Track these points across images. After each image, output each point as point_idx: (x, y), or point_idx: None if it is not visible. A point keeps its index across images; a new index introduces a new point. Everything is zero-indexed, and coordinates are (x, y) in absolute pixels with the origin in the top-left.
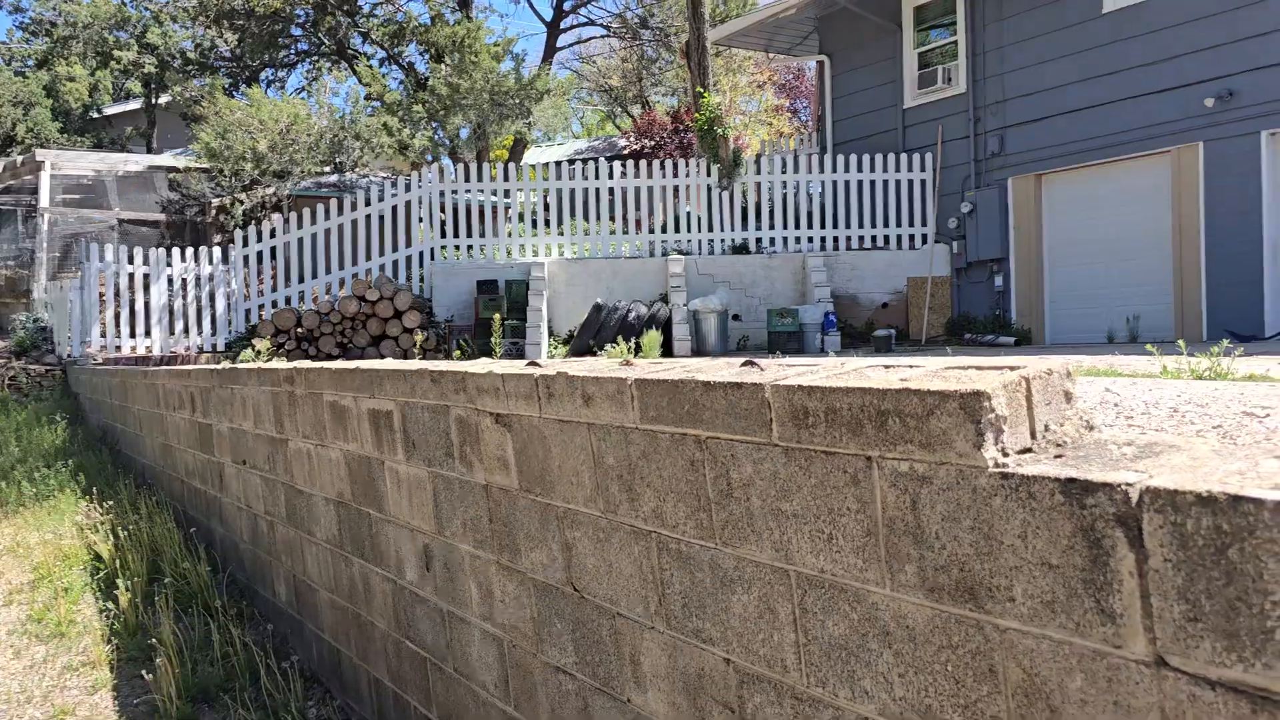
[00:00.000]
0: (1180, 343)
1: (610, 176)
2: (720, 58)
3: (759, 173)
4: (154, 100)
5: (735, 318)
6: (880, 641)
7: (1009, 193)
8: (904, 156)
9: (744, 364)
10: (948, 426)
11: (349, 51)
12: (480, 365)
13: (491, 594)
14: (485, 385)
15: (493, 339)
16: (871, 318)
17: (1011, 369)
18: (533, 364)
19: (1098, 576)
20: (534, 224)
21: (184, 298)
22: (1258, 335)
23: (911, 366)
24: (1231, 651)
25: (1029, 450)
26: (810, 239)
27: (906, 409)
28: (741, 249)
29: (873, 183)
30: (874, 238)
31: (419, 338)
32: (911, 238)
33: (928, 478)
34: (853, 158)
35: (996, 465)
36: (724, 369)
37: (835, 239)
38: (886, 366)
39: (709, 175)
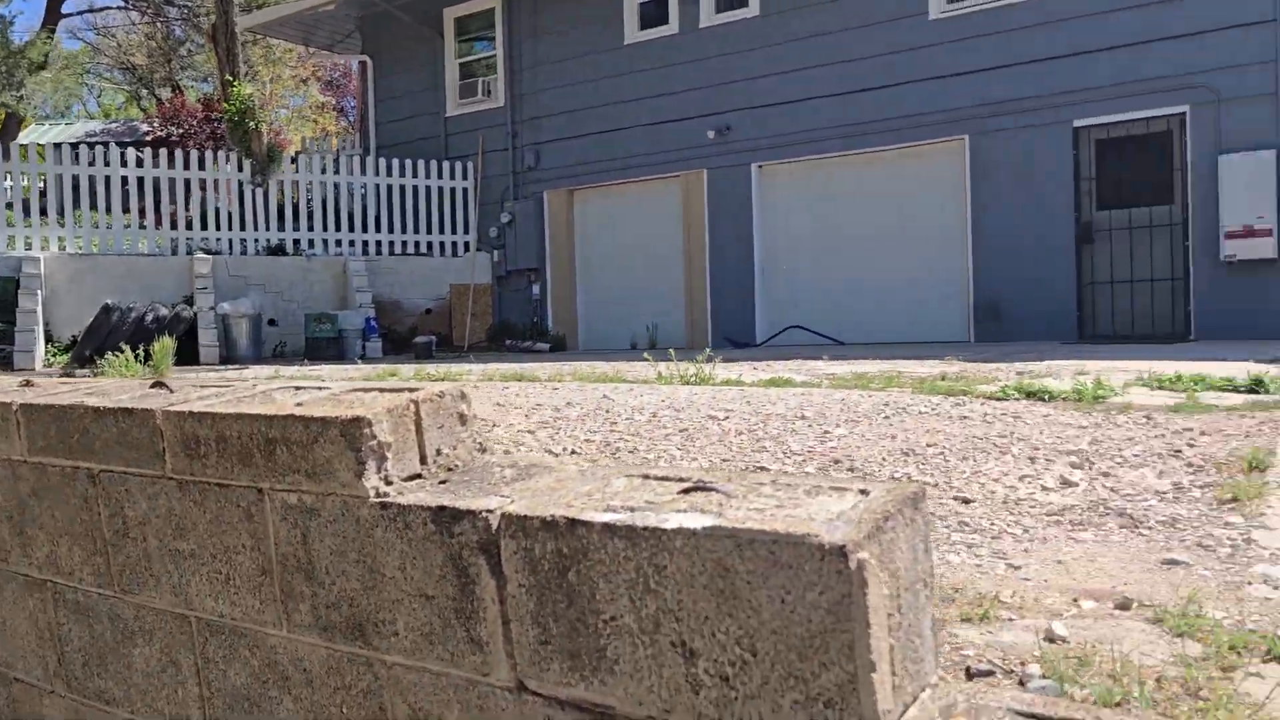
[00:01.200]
0: (671, 351)
1: (127, 164)
2: (259, 46)
3: (298, 171)
4: None
5: (271, 322)
6: (280, 688)
7: (544, 205)
8: (447, 164)
9: (153, 384)
10: (331, 455)
11: None
12: None
13: None
14: None
15: None
16: (415, 324)
17: (410, 390)
18: None
19: (467, 605)
20: (27, 212)
21: None
22: (751, 343)
23: (320, 388)
24: (575, 671)
25: (419, 476)
26: (353, 243)
27: (293, 437)
28: (278, 250)
29: (416, 188)
30: (418, 244)
31: None
32: (455, 245)
33: (316, 510)
34: (395, 162)
35: (378, 495)
36: (129, 391)
37: (379, 244)
38: (297, 388)
39: (242, 170)
